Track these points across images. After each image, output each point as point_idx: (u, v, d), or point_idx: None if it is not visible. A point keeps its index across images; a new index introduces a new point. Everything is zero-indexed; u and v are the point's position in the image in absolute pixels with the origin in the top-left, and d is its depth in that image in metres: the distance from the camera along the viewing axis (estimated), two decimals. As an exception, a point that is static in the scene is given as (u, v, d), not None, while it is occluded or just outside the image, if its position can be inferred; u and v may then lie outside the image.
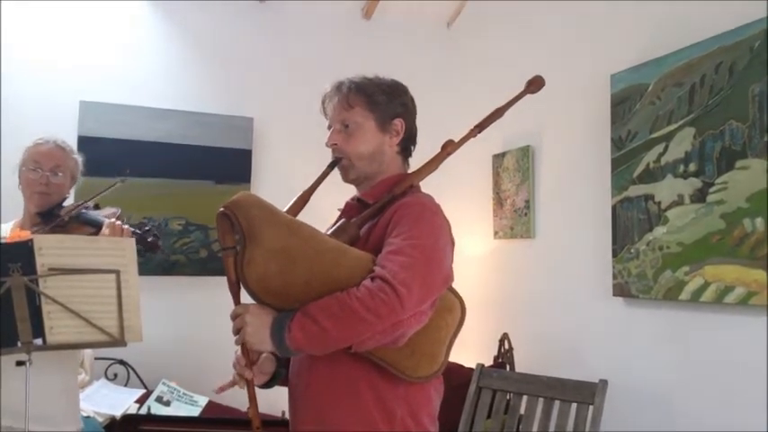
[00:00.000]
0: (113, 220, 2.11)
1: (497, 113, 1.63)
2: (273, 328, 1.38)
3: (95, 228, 2.15)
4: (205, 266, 3.62)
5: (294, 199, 1.58)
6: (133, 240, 1.87)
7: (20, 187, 2.23)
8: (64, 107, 3.42)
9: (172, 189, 3.56)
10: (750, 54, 2.27)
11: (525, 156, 3.42)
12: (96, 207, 2.29)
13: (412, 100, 1.66)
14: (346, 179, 1.64)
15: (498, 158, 3.61)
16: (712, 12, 2.45)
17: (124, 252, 1.80)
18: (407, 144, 1.65)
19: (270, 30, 3.90)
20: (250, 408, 1.55)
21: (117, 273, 1.78)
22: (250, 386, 1.54)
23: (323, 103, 1.65)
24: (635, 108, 2.73)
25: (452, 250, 1.52)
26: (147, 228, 2.21)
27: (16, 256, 1.72)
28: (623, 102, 2.79)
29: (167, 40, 3.72)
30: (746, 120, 2.27)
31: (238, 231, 1.40)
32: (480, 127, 1.62)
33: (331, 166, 1.62)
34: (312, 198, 1.60)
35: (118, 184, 2.24)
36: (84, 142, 3.36)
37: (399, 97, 1.62)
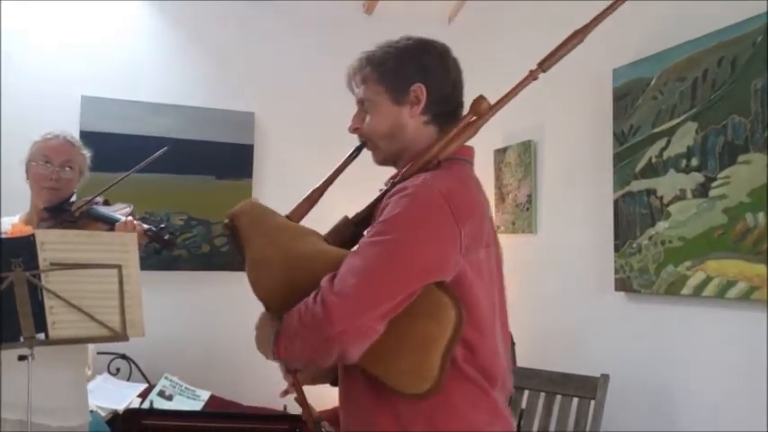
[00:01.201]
0: (128, 218, 2.10)
1: (576, 37, 1.36)
2: (269, 339, 1.32)
3: (109, 225, 2.15)
4: (207, 261, 3.62)
5: (303, 197, 1.46)
6: (135, 235, 1.88)
7: (27, 182, 2.22)
8: (66, 102, 3.42)
9: (173, 184, 3.56)
10: (752, 48, 2.26)
11: (527, 151, 3.41)
12: (106, 203, 2.28)
13: (440, 56, 1.43)
14: (376, 162, 1.48)
15: (500, 153, 3.61)
16: (714, 6, 2.44)
17: (126, 247, 1.81)
18: (440, 109, 1.41)
19: (271, 24, 3.89)
20: (303, 411, 1.49)
21: (119, 267, 1.79)
22: (297, 389, 1.48)
23: (347, 83, 1.49)
24: (637, 103, 2.72)
25: (453, 239, 1.24)
26: (162, 225, 2.20)
27: (18, 251, 1.72)
28: (625, 96, 2.78)
29: (169, 36, 3.72)
30: (748, 114, 2.26)
31: (240, 241, 1.36)
32: (544, 65, 1.37)
33: (352, 155, 1.47)
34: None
35: (126, 175, 2.22)
36: (86, 137, 3.32)
37: (416, 59, 1.41)
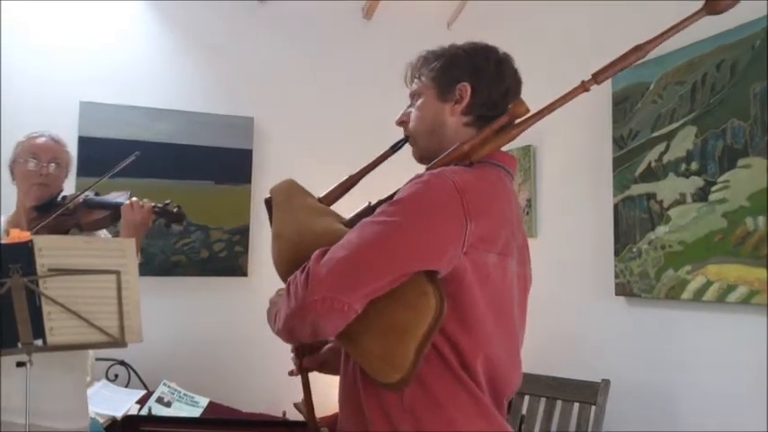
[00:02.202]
0: (133, 198, 2.12)
1: (635, 53, 1.35)
2: None
3: (109, 209, 2.16)
4: (206, 267, 3.61)
5: (337, 183, 1.48)
6: (133, 241, 1.87)
7: (14, 182, 2.22)
8: (64, 108, 3.41)
9: (172, 189, 3.55)
10: (751, 52, 2.26)
11: (527, 155, 3.41)
12: (96, 195, 2.28)
13: (498, 63, 1.41)
14: (415, 160, 1.46)
15: (499, 158, 3.60)
16: (714, 10, 2.44)
17: (124, 252, 1.80)
18: (484, 113, 1.38)
19: (270, 29, 3.90)
20: (304, 396, 1.48)
21: (117, 273, 1.78)
22: (303, 374, 1.47)
23: (405, 79, 1.49)
24: (636, 107, 2.72)
25: (456, 233, 1.20)
26: (167, 201, 2.21)
27: (16, 257, 1.71)
28: (625, 100, 2.78)
29: (167, 40, 3.72)
30: (748, 118, 2.26)
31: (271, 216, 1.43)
32: (598, 77, 1.36)
33: (393, 148, 1.47)
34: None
35: (131, 159, 2.21)
36: (85, 143, 3.36)
37: (469, 60, 1.39)
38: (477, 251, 1.23)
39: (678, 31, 1.39)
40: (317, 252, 1.20)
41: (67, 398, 2.12)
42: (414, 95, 1.45)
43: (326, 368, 1.53)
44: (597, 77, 1.35)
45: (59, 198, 2.22)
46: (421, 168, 1.40)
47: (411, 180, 1.26)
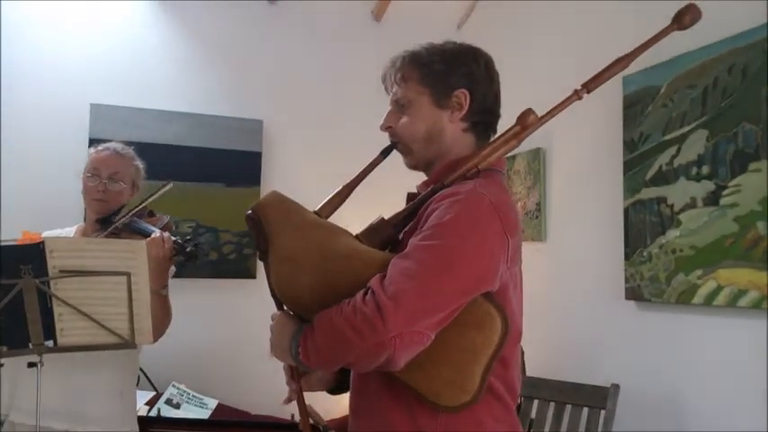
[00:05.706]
0: (158, 232, 2.09)
1: (619, 64, 1.38)
2: (291, 341, 1.25)
3: (144, 237, 2.15)
4: (215, 269, 3.62)
5: (333, 193, 1.41)
6: (144, 243, 1.87)
7: (82, 193, 2.25)
8: (74, 110, 3.43)
9: (182, 191, 3.55)
10: (763, 56, 2.25)
11: (536, 158, 3.40)
12: (151, 213, 2.28)
13: (487, 65, 1.40)
14: (407, 166, 1.44)
15: (509, 161, 3.60)
16: (725, 13, 2.42)
17: (135, 254, 1.81)
18: (480, 119, 1.39)
19: (280, 31, 3.90)
20: (300, 420, 1.44)
21: (127, 275, 1.79)
22: (299, 396, 1.43)
23: (383, 80, 1.45)
24: (647, 110, 2.71)
25: (502, 250, 1.23)
26: (188, 237, 2.19)
27: (28, 258, 1.72)
28: (635, 104, 2.77)
29: (178, 43, 3.73)
30: (759, 122, 2.25)
31: (265, 234, 1.30)
32: (589, 86, 1.37)
33: (383, 154, 1.42)
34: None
35: (168, 188, 2.24)
36: (96, 145, 3.36)
37: (464, 65, 1.37)
38: (512, 264, 1.28)
39: (652, 45, 1.42)
40: (376, 283, 1.16)
41: (112, 400, 2.11)
42: (402, 101, 1.39)
43: (317, 386, 1.49)
44: (588, 86, 1.38)
45: (119, 212, 2.22)
46: (414, 174, 1.43)
47: (447, 197, 1.24)
